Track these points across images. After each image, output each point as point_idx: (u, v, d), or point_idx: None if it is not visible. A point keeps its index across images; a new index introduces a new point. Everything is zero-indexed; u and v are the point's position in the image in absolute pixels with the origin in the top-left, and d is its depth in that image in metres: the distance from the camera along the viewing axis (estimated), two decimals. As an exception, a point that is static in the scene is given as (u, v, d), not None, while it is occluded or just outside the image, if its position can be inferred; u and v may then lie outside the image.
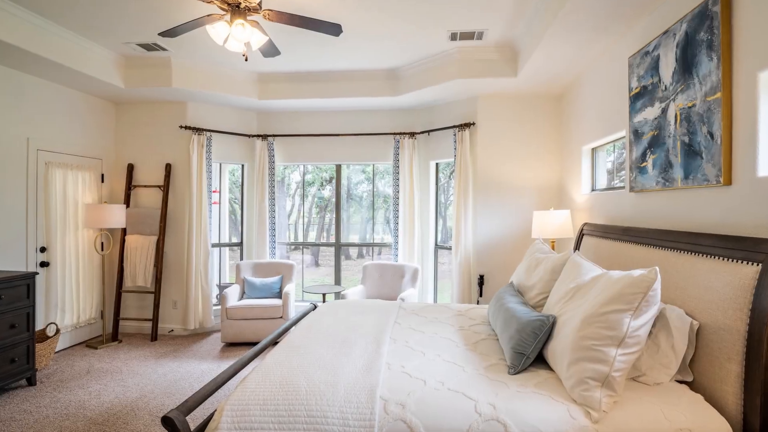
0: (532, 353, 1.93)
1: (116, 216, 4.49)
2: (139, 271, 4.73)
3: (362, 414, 1.59)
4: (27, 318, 3.38)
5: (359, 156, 5.34)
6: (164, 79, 4.31)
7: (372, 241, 8.53)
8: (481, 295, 4.54)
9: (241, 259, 5.46)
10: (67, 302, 4.35)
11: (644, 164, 2.59)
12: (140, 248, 4.75)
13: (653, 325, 1.85)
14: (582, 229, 3.48)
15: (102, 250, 4.78)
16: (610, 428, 1.49)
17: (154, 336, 4.70)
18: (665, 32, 2.35)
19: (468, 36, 3.68)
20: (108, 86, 4.28)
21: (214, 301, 5.23)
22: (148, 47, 3.99)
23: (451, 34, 3.64)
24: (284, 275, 4.93)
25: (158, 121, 4.96)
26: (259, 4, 2.66)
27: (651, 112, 2.51)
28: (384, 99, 4.75)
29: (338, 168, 5.55)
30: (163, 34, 2.90)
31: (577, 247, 3.50)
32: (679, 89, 2.22)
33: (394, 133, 5.07)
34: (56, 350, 4.26)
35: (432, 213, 5.22)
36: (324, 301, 4.11)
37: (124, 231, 4.86)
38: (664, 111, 2.36)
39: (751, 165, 1.77)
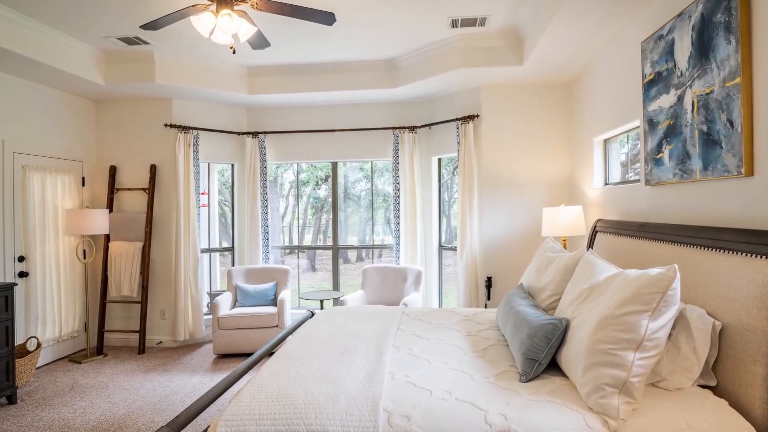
0: (544, 359, 1.93)
1: (99, 221, 4.49)
2: (124, 280, 4.73)
3: (365, 427, 1.59)
4: (6, 332, 3.38)
5: (356, 153, 5.34)
6: (147, 74, 4.31)
7: (372, 243, 8.53)
8: (489, 298, 4.54)
9: (233, 264, 5.46)
10: (48, 314, 4.35)
11: (660, 155, 2.60)
12: (125, 255, 4.75)
13: (673, 327, 1.85)
14: (595, 226, 3.48)
15: (84, 258, 4.78)
16: (629, 437, 1.49)
17: (141, 348, 4.70)
18: (680, 14, 2.35)
19: (470, 23, 3.68)
20: (87, 83, 4.29)
21: (205, 310, 5.23)
22: (130, 41, 3.99)
23: (451, 21, 3.64)
24: (279, 281, 4.93)
25: (141, 119, 4.96)
26: (247, -8, 2.66)
27: (666, 100, 2.51)
28: (381, 91, 4.75)
29: (334, 166, 5.55)
30: (145, 26, 2.90)
31: (590, 245, 3.50)
32: (695, 75, 2.22)
33: (393, 128, 5.07)
34: (38, 366, 4.26)
35: (435, 212, 5.22)
36: (322, 308, 4.11)
37: (107, 237, 4.86)
38: (681, 98, 2.36)
39: (773, 154, 1.77)
